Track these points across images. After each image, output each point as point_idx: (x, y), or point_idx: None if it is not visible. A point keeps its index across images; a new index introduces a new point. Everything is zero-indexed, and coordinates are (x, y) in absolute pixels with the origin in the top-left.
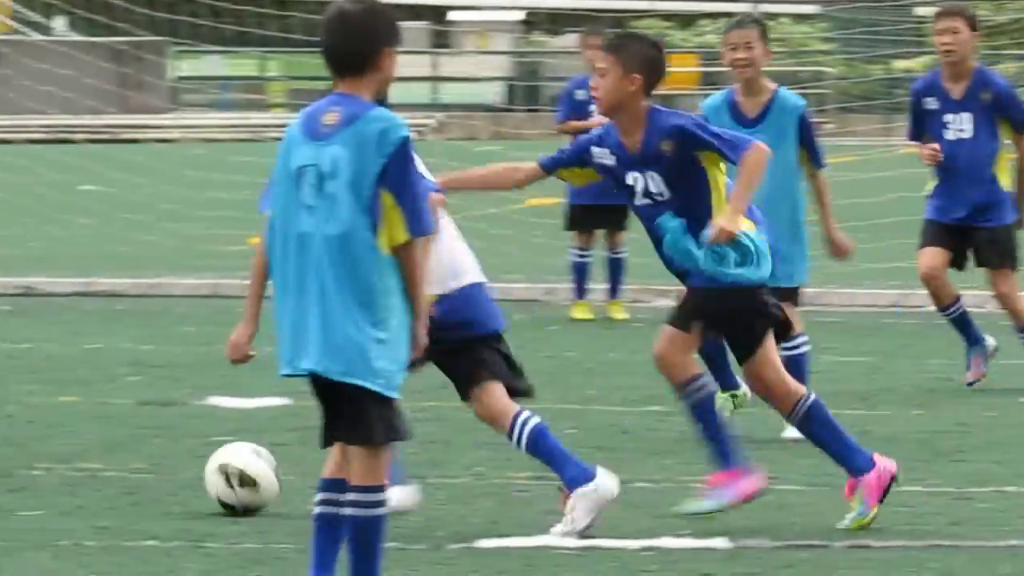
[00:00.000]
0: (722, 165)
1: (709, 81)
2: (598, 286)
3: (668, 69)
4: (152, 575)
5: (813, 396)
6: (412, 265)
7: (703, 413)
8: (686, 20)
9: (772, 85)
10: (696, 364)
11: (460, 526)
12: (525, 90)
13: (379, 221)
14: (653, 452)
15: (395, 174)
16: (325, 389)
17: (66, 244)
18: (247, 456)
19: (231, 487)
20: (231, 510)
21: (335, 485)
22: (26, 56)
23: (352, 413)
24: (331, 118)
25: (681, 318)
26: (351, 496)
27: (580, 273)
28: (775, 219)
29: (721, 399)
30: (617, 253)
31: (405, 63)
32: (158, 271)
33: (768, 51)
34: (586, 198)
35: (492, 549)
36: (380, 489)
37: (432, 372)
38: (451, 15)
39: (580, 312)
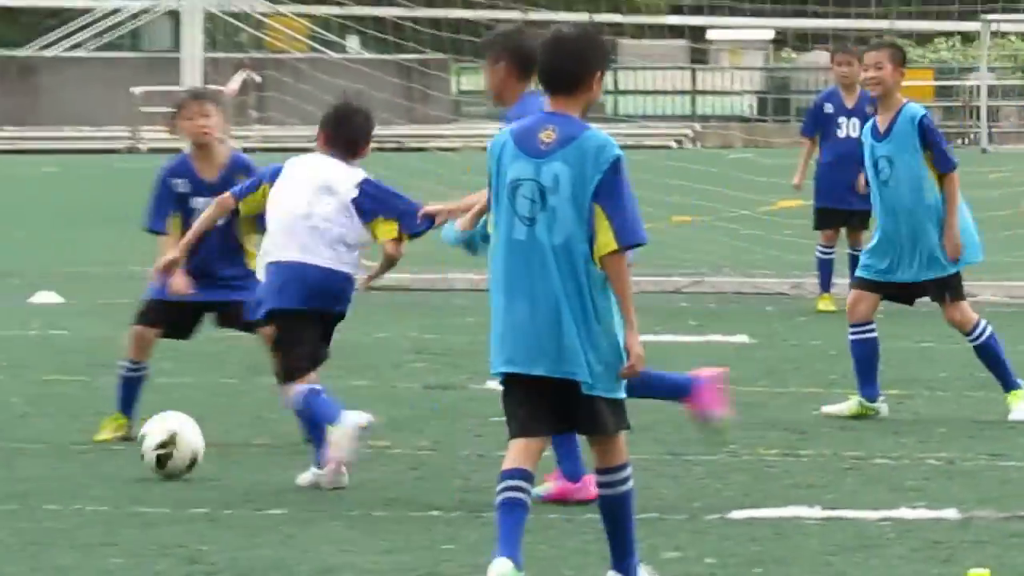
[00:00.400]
0: None
1: (943, 93)
2: (841, 280)
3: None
4: (435, 543)
5: None
6: (621, 274)
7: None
8: (922, 38)
9: (902, 100)
10: None
11: (715, 498)
12: (775, 102)
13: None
14: (891, 431)
15: (608, 189)
16: (539, 387)
17: None
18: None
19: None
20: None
21: (517, 474)
22: (323, 72)
23: (585, 413)
24: (548, 136)
25: None
26: (600, 479)
27: (825, 268)
28: (912, 220)
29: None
30: (858, 250)
31: (667, 78)
32: (441, 267)
33: (899, 71)
34: (831, 201)
35: (744, 519)
36: (623, 467)
37: (686, 358)
38: (709, 34)
39: (824, 304)
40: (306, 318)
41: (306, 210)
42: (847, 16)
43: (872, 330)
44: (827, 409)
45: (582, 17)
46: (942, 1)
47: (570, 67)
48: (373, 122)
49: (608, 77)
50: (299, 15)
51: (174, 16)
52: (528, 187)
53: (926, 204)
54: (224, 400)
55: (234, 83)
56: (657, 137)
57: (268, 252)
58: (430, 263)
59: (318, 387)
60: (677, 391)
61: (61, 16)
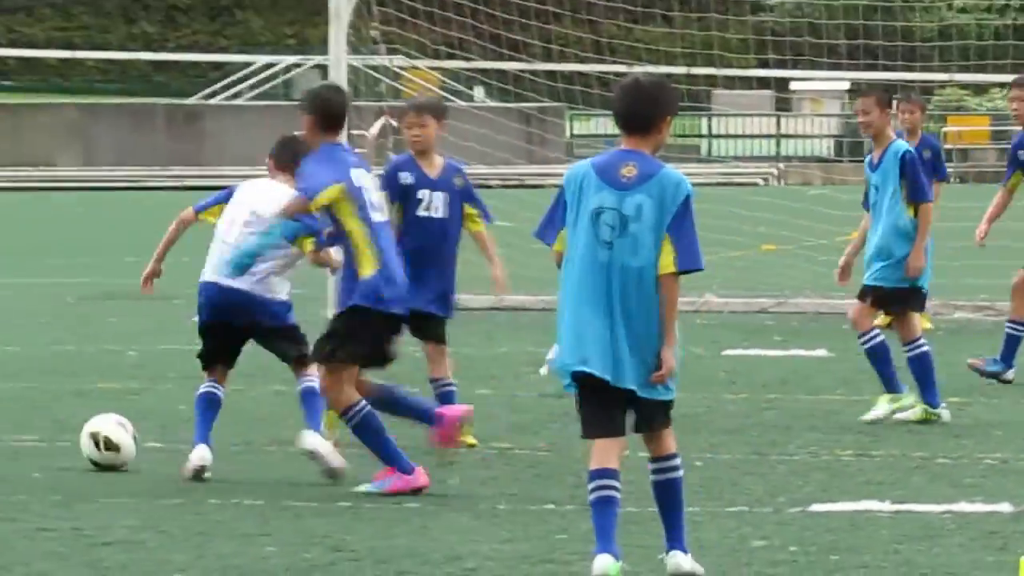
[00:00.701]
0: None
1: (999, 137)
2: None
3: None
4: (549, 532)
5: (367, 407)
6: (673, 294)
7: (364, 431)
8: (979, 89)
9: (892, 137)
10: (354, 393)
11: (797, 494)
12: (850, 145)
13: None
14: (952, 434)
15: (678, 220)
16: (606, 389)
17: (483, 267)
18: (113, 426)
19: (98, 450)
20: (97, 467)
21: (604, 473)
22: (452, 119)
23: (647, 412)
24: (629, 171)
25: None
26: (652, 467)
27: None
28: (888, 237)
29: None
30: None
31: (755, 123)
32: (529, 288)
33: (886, 113)
34: None
35: (823, 512)
36: (673, 457)
37: (772, 370)
38: (792, 85)
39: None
40: (214, 329)
41: (233, 238)
42: (913, 69)
43: (921, 345)
44: (897, 416)
45: (681, 70)
46: (997, 56)
47: (645, 111)
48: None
49: (703, 122)
50: (432, 68)
51: (322, 69)
52: (610, 215)
53: (897, 226)
54: None
55: (375, 128)
56: (746, 176)
57: (204, 272)
58: (548, 287)
59: (215, 393)
60: (423, 417)
61: (223, 69)
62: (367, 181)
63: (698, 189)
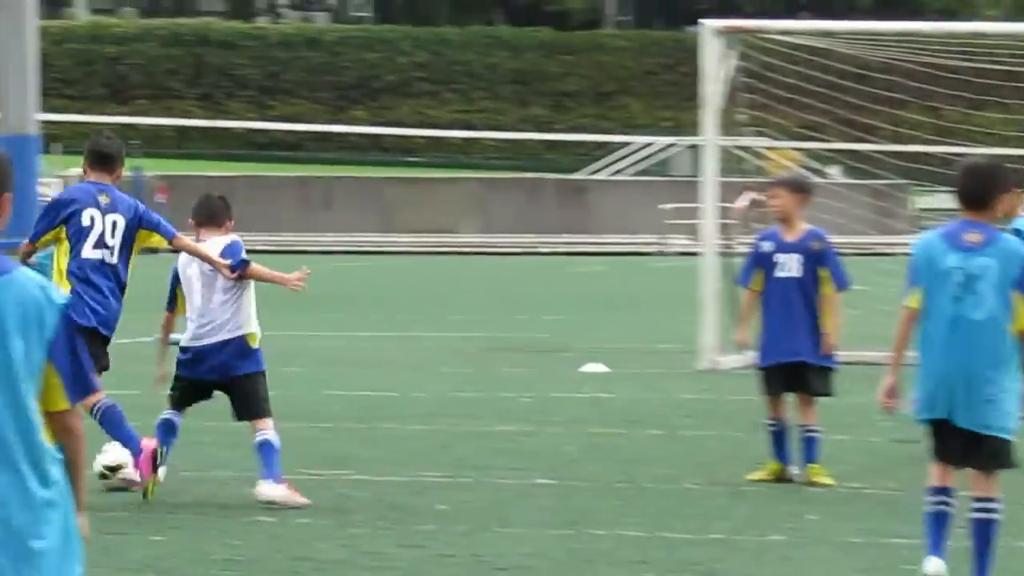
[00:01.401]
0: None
1: None
2: None
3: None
4: (898, 563)
5: (108, 401)
6: None
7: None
8: None
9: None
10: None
11: None
12: None
13: (1010, 313)
14: None
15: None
16: (954, 431)
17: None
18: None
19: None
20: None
21: (940, 491)
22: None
23: (981, 450)
24: (974, 237)
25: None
26: (975, 504)
27: None
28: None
29: None
30: None
31: None
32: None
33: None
34: None
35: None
36: (994, 500)
37: None
38: None
39: None
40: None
41: (203, 303)
42: None
43: None
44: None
45: (1016, 152)
46: None
47: (983, 189)
48: (229, 204)
49: None
50: (793, 148)
51: (694, 148)
52: (958, 274)
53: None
54: (708, 448)
55: (742, 202)
56: None
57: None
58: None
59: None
60: (131, 445)
61: (606, 148)
62: (100, 220)
63: None
